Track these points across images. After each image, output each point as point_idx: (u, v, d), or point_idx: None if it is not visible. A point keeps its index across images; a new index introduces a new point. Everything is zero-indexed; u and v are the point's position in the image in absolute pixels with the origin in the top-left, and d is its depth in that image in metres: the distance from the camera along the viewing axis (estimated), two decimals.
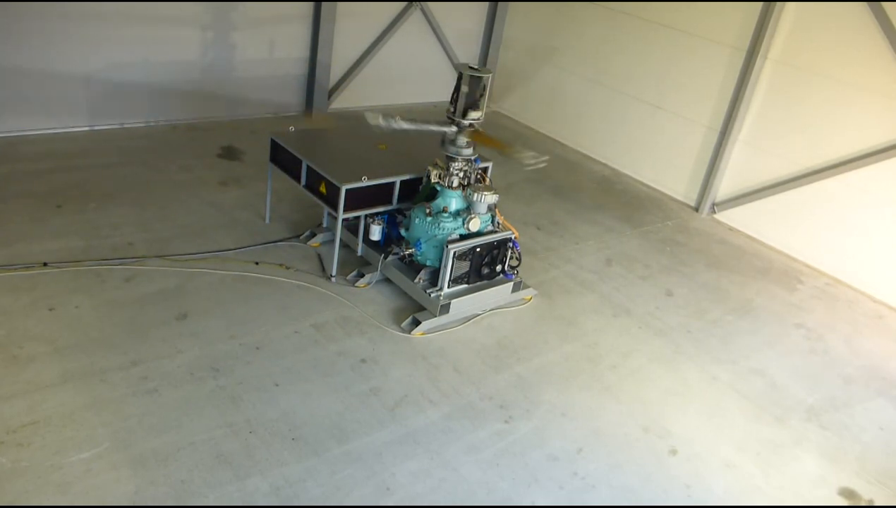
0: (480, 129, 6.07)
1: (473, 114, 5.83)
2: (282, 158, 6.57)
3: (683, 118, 9.25)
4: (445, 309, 5.93)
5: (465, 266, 5.98)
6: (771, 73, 8.33)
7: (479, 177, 6.24)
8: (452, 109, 5.88)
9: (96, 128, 8.41)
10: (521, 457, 4.83)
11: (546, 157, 5.90)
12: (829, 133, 7.92)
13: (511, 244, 6.23)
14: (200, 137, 8.71)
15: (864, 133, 7.65)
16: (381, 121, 5.62)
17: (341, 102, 10.34)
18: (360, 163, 6.27)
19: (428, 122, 5.99)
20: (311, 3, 9.39)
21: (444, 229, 5.92)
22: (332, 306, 5.99)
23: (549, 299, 6.68)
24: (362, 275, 6.38)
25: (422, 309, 6.04)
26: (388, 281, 6.41)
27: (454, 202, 6.04)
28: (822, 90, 7.91)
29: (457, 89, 5.83)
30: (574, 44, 10.44)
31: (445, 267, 5.86)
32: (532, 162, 5.93)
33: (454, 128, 5.89)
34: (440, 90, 11.15)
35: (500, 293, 6.32)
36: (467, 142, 5.95)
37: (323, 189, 6.12)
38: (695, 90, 9.06)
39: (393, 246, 6.33)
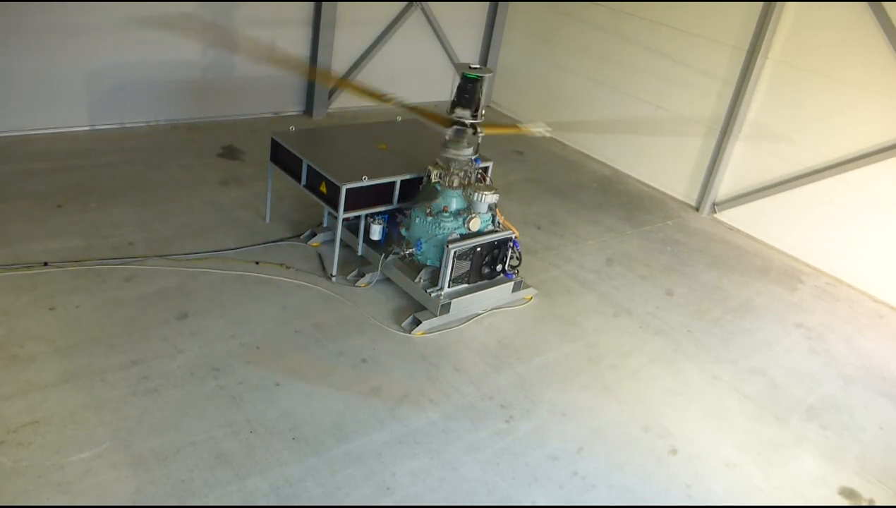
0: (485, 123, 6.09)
1: (464, 113, 5.83)
2: (282, 158, 6.57)
3: (684, 118, 9.25)
4: (446, 308, 5.93)
5: (465, 265, 5.98)
6: (771, 73, 8.32)
7: (479, 176, 6.24)
8: (455, 110, 5.88)
9: (97, 127, 8.41)
10: (521, 457, 4.83)
11: (549, 128, 6.09)
12: (830, 133, 7.92)
13: (511, 243, 6.23)
14: (201, 137, 8.72)
15: (864, 133, 7.65)
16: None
17: (341, 102, 10.33)
18: (360, 162, 6.28)
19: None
20: (312, 4, 9.39)
21: (444, 229, 5.92)
22: (332, 306, 5.99)
23: (549, 299, 6.68)
24: (363, 275, 6.38)
25: (422, 308, 6.04)
26: (388, 280, 6.41)
27: (454, 202, 6.04)
28: (822, 90, 7.91)
29: (461, 89, 5.82)
30: (574, 44, 10.44)
31: (446, 266, 5.86)
32: (540, 130, 6.06)
33: (453, 129, 5.89)
34: (440, 90, 11.16)
35: (500, 292, 6.32)
36: (468, 142, 5.96)
37: (323, 188, 6.12)
38: (695, 90, 9.06)
39: (393, 245, 6.34)
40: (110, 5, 7.91)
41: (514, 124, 6.30)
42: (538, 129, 6.12)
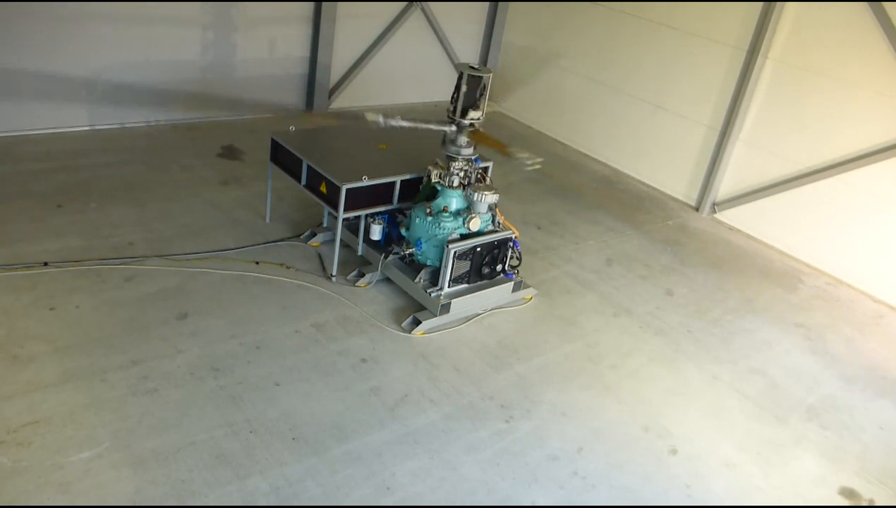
0: (480, 129, 6.08)
1: (474, 114, 5.84)
2: (282, 158, 6.57)
3: (684, 117, 9.25)
4: (446, 308, 5.93)
5: (465, 265, 5.98)
6: (771, 73, 8.33)
7: (479, 176, 6.24)
8: (453, 109, 5.89)
9: (97, 127, 8.41)
10: (521, 457, 4.83)
11: (540, 159, 5.93)
12: (830, 133, 7.92)
13: (511, 243, 6.23)
14: (201, 137, 8.71)
15: (864, 132, 7.65)
16: (380, 120, 5.64)
17: (342, 102, 10.34)
18: (360, 162, 6.27)
19: (428, 121, 6.00)
20: (312, 3, 9.40)
21: (444, 229, 5.92)
22: (332, 306, 5.99)
23: (549, 299, 6.68)
24: (363, 275, 6.38)
25: (422, 308, 6.04)
26: (388, 280, 6.41)
27: (455, 201, 6.04)
28: (822, 90, 7.91)
29: (457, 89, 5.84)
30: (574, 44, 10.44)
31: (446, 266, 5.86)
32: (529, 162, 5.95)
33: (453, 128, 5.90)
34: (440, 90, 11.15)
35: (500, 292, 6.32)
36: (467, 142, 5.96)
37: (323, 188, 6.12)
38: (695, 89, 9.06)
39: (393, 245, 6.34)
40: (111, 4, 7.91)
41: (506, 143, 6.19)
42: (525, 160, 6.04)
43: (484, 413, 5.16)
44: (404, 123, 5.75)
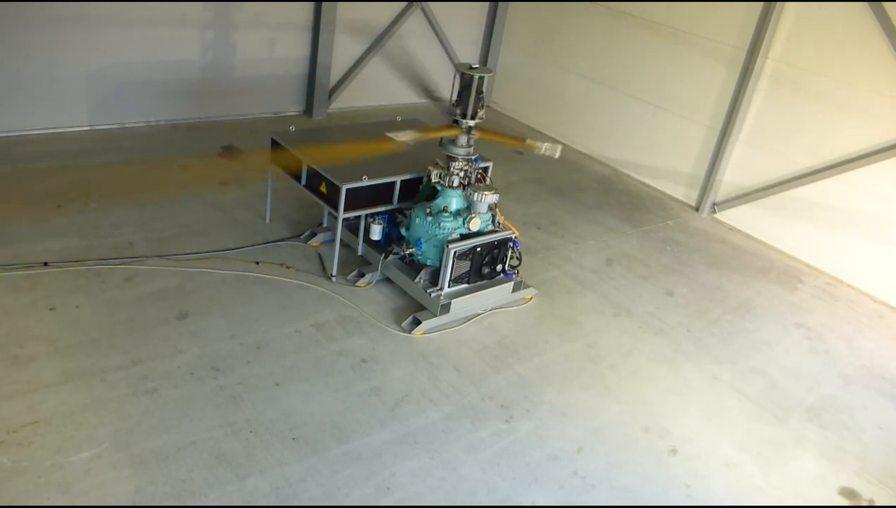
0: (487, 128, 6.09)
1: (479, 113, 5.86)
2: (282, 158, 6.56)
3: (684, 117, 9.25)
4: (446, 308, 5.93)
5: (465, 265, 5.98)
6: (771, 73, 8.32)
7: (479, 176, 6.24)
8: (456, 110, 5.89)
9: (97, 127, 8.41)
10: (521, 457, 4.83)
11: (560, 145, 5.92)
12: (829, 133, 7.92)
13: (511, 243, 6.24)
14: (201, 137, 8.72)
15: (864, 133, 7.65)
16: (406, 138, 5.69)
17: (342, 102, 10.33)
18: (360, 162, 6.26)
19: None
20: (312, 3, 9.40)
21: (444, 229, 5.92)
22: (332, 306, 5.99)
23: (549, 299, 6.68)
24: (363, 275, 6.38)
25: (422, 308, 6.04)
26: (388, 280, 6.41)
27: (455, 201, 6.04)
28: (822, 90, 7.90)
29: (458, 89, 5.84)
30: (574, 44, 10.44)
31: (446, 266, 5.86)
32: (545, 151, 5.93)
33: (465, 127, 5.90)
34: (440, 90, 11.14)
35: (500, 292, 6.32)
36: (468, 142, 5.96)
37: (323, 188, 6.12)
38: (695, 89, 9.06)
39: (393, 245, 6.34)
40: (111, 4, 7.91)
41: (520, 136, 6.17)
42: (545, 151, 5.97)
43: (484, 413, 5.16)
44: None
